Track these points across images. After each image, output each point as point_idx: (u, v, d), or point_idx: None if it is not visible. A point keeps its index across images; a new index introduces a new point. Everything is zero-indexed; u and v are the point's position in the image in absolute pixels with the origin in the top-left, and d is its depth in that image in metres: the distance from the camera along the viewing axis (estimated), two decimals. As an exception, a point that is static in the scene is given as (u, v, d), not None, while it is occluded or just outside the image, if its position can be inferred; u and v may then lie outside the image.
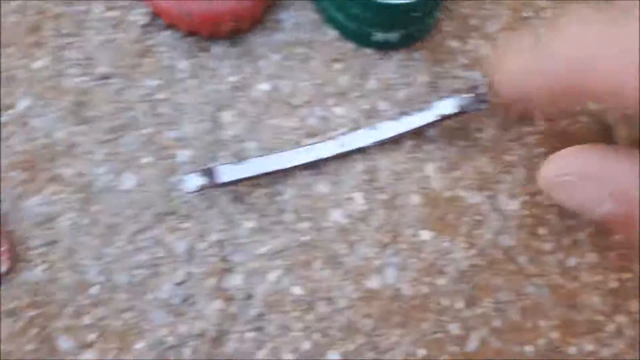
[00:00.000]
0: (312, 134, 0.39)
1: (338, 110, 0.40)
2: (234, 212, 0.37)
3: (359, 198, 0.38)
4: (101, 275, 0.36)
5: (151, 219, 0.37)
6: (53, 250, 0.36)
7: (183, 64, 0.40)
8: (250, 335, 0.36)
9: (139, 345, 0.35)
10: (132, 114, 0.39)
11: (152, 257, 0.37)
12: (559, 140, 0.40)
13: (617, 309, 0.39)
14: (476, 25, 0.43)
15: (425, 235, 0.38)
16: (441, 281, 0.38)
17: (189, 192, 0.37)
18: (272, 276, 0.37)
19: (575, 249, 0.39)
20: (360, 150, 0.38)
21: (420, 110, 0.38)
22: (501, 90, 0.34)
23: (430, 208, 0.38)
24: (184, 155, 0.38)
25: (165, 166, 0.38)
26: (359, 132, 0.38)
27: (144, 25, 0.41)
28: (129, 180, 0.38)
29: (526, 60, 0.32)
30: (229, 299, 0.36)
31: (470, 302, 0.38)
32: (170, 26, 0.40)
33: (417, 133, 0.40)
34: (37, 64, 0.39)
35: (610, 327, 0.39)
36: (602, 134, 0.40)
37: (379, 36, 0.40)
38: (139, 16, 0.41)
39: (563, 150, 0.32)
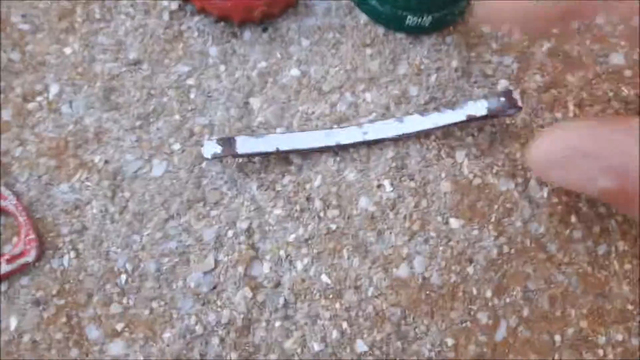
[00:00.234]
0: (342, 120, 0.32)
1: (368, 95, 0.33)
2: (262, 199, 0.31)
3: (387, 185, 0.31)
4: (129, 263, 0.30)
5: (180, 206, 0.31)
6: (81, 238, 0.30)
7: (213, 50, 0.33)
8: (278, 324, 0.30)
9: (167, 334, 0.29)
10: (162, 100, 0.32)
11: (180, 244, 0.30)
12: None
13: (648, 299, 0.32)
14: (508, 10, 0.35)
15: (455, 223, 0.31)
16: (470, 270, 0.31)
17: (205, 158, 0.31)
18: (300, 264, 0.30)
19: (605, 237, 0.32)
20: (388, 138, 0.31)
21: (452, 107, 0.32)
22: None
23: (460, 195, 0.31)
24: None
25: (195, 153, 0.31)
26: (386, 122, 0.31)
27: (175, 11, 0.34)
28: (158, 167, 0.31)
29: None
30: (257, 287, 0.30)
31: (499, 291, 0.31)
32: (200, 11, 0.33)
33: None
34: (68, 50, 0.33)
35: (640, 317, 0.31)
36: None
37: (412, 20, 0.32)
38: (169, 1, 0.33)
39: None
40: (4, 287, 0.30)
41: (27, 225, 0.30)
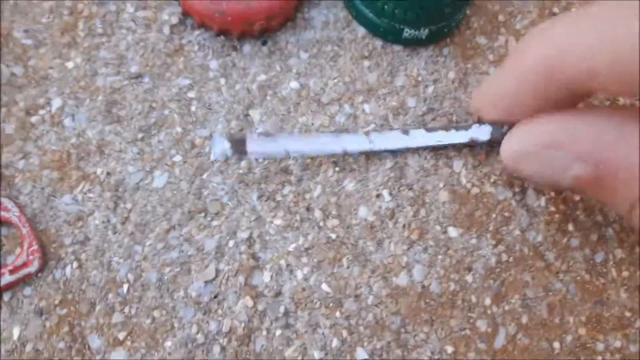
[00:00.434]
0: (342, 131, 0.32)
1: (367, 107, 0.33)
2: (263, 210, 0.31)
3: (386, 195, 0.32)
4: (131, 273, 0.30)
5: (181, 216, 0.31)
6: (84, 248, 0.30)
7: (214, 63, 0.34)
8: (278, 332, 0.30)
9: (169, 343, 0.29)
10: (163, 112, 0.32)
11: (182, 254, 0.30)
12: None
13: (646, 306, 0.32)
14: (504, 22, 0.36)
15: (453, 232, 0.32)
16: (469, 278, 0.31)
17: (215, 159, 0.32)
18: (300, 273, 0.31)
19: (602, 244, 0.33)
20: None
21: (457, 127, 0.32)
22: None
23: (458, 205, 0.32)
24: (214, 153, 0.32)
25: (196, 164, 0.31)
26: (392, 133, 0.31)
27: (175, 25, 0.34)
28: (159, 179, 0.31)
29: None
30: (257, 296, 0.30)
31: (498, 299, 0.31)
32: (201, 25, 0.33)
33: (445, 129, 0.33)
34: (70, 64, 0.33)
35: (639, 323, 0.32)
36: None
37: (409, 33, 0.33)
38: (170, 16, 0.34)
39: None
40: (6, 297, 0.30)
41: (30, 237, 0.30)
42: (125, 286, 0.30)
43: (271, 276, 0.31)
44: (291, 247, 0.31)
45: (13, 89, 0.33)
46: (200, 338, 0.30)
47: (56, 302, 0.30)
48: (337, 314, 0.31)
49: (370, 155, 0.33)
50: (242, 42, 0.35)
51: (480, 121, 0.31)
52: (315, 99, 0.34)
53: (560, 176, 0.26)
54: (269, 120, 0.33)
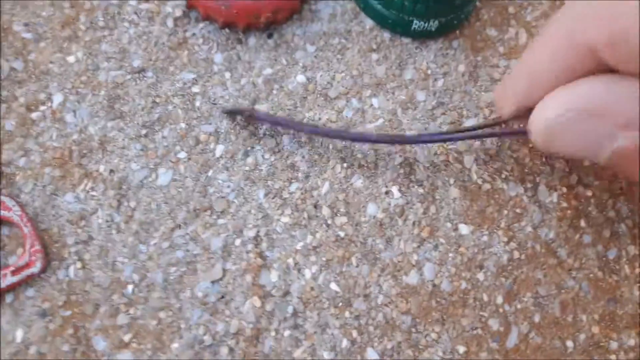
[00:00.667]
0: (349, 126, 0.32)
1: (375, 101, 0.32)
2: (270, 207, 0.30)
3: (395, 192, 0.31)
4: (136, 273, 0.29)
5: (187, 215, 0.30)
6: (87, 248, 0.29)
7: (218, 57, 0.32)
8: (287, 333, 0.29)
9: (176, 344, 0.28)
10: (167, 108, 0.31)
11: (187, 254, 0.29)
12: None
13: (660, 304, 0.31)
14: (515, 13, 0.34)
15: (464, 229, 0.30)
16: (480, 276, 0.30)
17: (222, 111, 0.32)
18: (308, 272, 0.30)
19: (615, 241, 0.32)
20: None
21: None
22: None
23: (469, 201, 0.30)
24: (220, 149, 0.30)
25: (201, 161, 0.30)
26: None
27: (179, 18, 0.33)
28: (164, 176, 0.30)
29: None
30: (265, 296, 0.29)
31: (510, 297, 0.30)
32: (205, 18, 0.32)
33: (455, 123, 0.32)
34: (71, 58, 0.32)
35: (652, 321, 0.31)
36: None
37: (418, 25, 0.31)
38: (173, 8, 0.33)
39: (559, 88, 0.23)
40: (9, 298, 0.29)
41: (32, 236, 0.29)
42: (130, 287, 0.29)
43: (279, 275, 0.30)
44: (299, 246, 0.30)
45: (13, 84, 0.32)
46: (207, 339, 0.29)
47: (60, 303, 0.29)
48: (347, 313, 0.30)
49: (379, 151, 0.31)
50: (247, 35, 0.33)
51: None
52: (323, 93, 0.33)
53: (601, 148, 0.23)
54: (276, 115, 0.32)
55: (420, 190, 0.31)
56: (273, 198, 0.31)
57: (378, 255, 0.30)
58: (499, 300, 0.30)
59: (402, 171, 0.31)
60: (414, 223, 0.31)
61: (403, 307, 0.30)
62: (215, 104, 0.32)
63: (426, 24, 0.32)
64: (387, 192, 0.31)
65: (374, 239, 0.31)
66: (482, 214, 0.31)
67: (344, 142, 0.32)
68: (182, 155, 0.31)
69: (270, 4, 0.32)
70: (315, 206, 0.31)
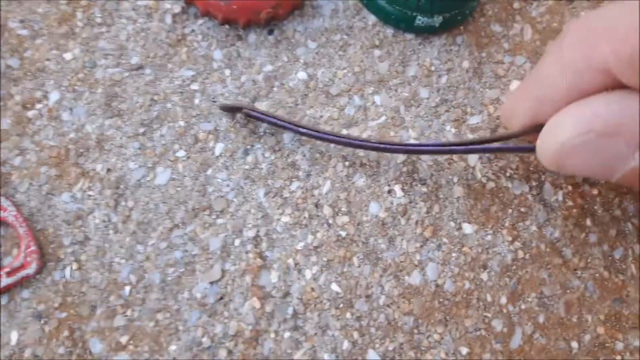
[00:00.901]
0: (351, 124, 0.30)
1: (377, 98, 0.31)
2: (270, 207, 0.28)
3: (398, 191, 0.29)
4: (133, 274, 0.28)
5: (185, 214, 0.28)
6: (84, 249, 0.28)
7: (218, 54, 0.31)
8: (287, 334, 0.28)
9: (173, 346, 0.27)
10: (165, 105, 0.30)
11: (186, 254, 0.28)
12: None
13: (667, 304, 0.30)
14: (520, 9, 0.33)
15: (468, 228, 0.29)
16: (484, 276, 0.29)
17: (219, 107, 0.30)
18: (309, 273, 0.28)
19: (621, 240, 0.31)
20: (397, 151, 0.29)
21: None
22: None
23: (473, 200, 0.29)
24: (219, 147, 0.29)
25: (200, 160, 0.29)
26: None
27: (178, 14, 0.32)
28: (162, 175, 0.29)
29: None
30: (265, 297, 0.28)
31: (514, 297, 0.29)
32: (205, 14, 0.31)
33: (458, 120, 0.30)
34: (68, 55, 0.30)
35: (659, 322, 0.30)
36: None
37: (422, 20, 0.30)
38: (172, 4, 0.31)
39: (570, 107, 0.22)
40: (4, 300, 0.28)
41: (28, 237, 0.28)
42: (127, 288, 0.28)
43: (279, 276, 0.29)
44: (299, 246, 0.29)
45: (9, 82, 0.30)
46: (206, 341, 0.28)
47: (55, 305, 0.28)
48: (348, 314, 0.28)
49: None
50: (247, 32, 0.32)
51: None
52: (324, 90, 0.31)
53: (616, 168, 0.22)
54: (276, 113, 0.31)
55: (424, 189, 0.30)
56: (273, 197, 0.30)
57: (380, 255, 0.29)
58: (503, 300, 0.29)
59: (404, 169, 0.30)
60: (416, 222, 0.30)
61: (405, 308, 0.29)
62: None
63: (430, 20, 0.31)
64: (389, 191, 0.30)
65: (376, 238, 0.29)
66: (486, 213, 0.30)
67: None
68: (181, 153, 0.30)
69: (270, 0, 0.31)
70: (317, 205, 0.30)
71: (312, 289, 0.29)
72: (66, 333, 0.28)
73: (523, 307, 0.29)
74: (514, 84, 0.32)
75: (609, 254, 0.30)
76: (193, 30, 0.32)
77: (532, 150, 0.25)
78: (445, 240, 0.30)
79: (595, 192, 0.31)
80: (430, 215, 0.30)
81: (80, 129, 0.30)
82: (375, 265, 0.29)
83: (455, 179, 0.30)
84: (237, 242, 0.29)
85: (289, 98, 0.31)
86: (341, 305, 0.29)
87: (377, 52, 0.32)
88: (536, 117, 0.25)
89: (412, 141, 0.31)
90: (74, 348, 0.28)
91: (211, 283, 0.29)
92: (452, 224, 0.30)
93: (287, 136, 0.30)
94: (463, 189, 0.30)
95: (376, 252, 0.29)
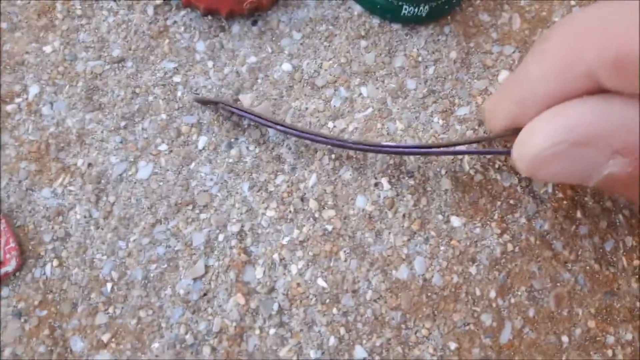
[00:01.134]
0: (337, 116, 0.29)
1: (364, 90, 0.30)
2: (254, 201, 0.27)
3: (385, 184, 0.28)
4: (115, 271, 0.27)
5: (168, 209, 0.27)
6: (64, 245, 0.27)
7: (200, 45, 0.30)
8: (272, 331, 0.26)
9: (156, 344, 0.26)
10: (147, 99, 0.29)
11: (169, 250, 0.27)
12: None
13: (659, 297, 0.29)
14: (508, -3, 0.31)
15: (456, 221, 0.28)
16: (473, 270, 0.28)
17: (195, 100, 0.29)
18: (294, 268, 0.27)
19: (612, 232, 0.30)
20: (375, 151, 0.27)
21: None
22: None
23: (461, 192, 0.28)
24: (202, 141, 0.28)
25: (183, 153, 0.28)
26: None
27: (159, 5, 0.30)
28: (144, 169, 0.28)
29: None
30: (250, 293, 0.27)
31: (504, 291, 0.28)
32: (186, 5, 0.30)
33: (446, 112, 0.29)
34: (48, 48, 0.29)
35: (651, 315, 0.29)
36: None
37: (408, 10, 0.29)
38: (153, -5, 0.30)
39: (544, 114, 0.21)
40: (-17, 299, 0.27)
41: (7, 233, 0.27)
42: (109, 285, 0.27)
43: (264, 271, 0.28)
44: (285, 240, 0.28)
45: (-12, 76, 0.29)
46: (189, 339, 0.27)
47: (36, 302, 0.27)
48: (334, 310, 0.27)
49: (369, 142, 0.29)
50: (230, 22, 0.31)
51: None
52: (309, 81, 0.30)
53: (591, 175, 0.21)
54: (260, 105, 0.30)
55: (411, 182, 0.29)
56: (258, 191, 0.29)
57: (367, 249, 0.28)
58: (492, 294, 0.28)
59: (392, 162, 0.29)
60: (404, 215, 0.29)
61: (393, 303, 0.28)
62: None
63: (416, 9, 0.30)
64: (376, 184, 0.29)
65: (363, 232, 0.28)
66: (474, 206, 0.29)
67: (332, 132, 0.29)
68: (163, 147, 0.29)
69: (252, -11, 0.29)
70: (302, 199, 0.29)
71: (298, 285, 0.28)
72: (46, 331, 0.27)
73: (512, 301, 0.28)
74: (503, 74, 0.31)
75: (599, 246, 0.29)
76: (175, 22, 0.31)
77: (508, 153, 0.24)
78: (433, 233, 0.29)
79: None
80: (417, 208, 0.29)
81: (61, 123, 0.29)
82: (362, 259, 0.28)
83: (443, 172, 0.29)
84: (221, 237, 0.28)
85: (274, 90, 0.30)
86: (327, 301, 0.28)
87: (363, 43, 0.31)
88: (517, 119, 0.23)
89: (399, 133, 0.30)
90: (54, 347, 0.26)
91: (194, 279, 0.27)
92: (440, 217, 0.29)
93: (272, 129, 0.29)
94: (451, 181, 0.29)
95: (363, 246, 0.28)
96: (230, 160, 0.29)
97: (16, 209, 0.28)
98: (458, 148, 0.28)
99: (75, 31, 0.31)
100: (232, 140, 0.29)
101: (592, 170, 0.21)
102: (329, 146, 0.29)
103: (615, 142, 0.20)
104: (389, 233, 0.29)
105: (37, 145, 0.29)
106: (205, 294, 0.27)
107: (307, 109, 0.30)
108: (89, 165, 0.29)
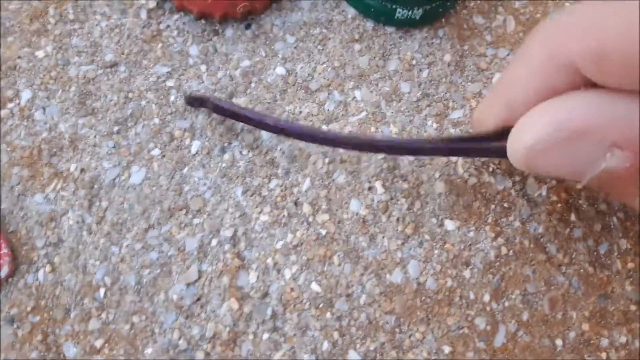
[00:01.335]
0: (331, 120, 0.28)
1: (358, 93, 0.29)
2: (248, 205, 0.27)
3: (379, 187, 0.28)
4: (108, 276, 0.26)
5: (161, 214, 0.27)
6: (57, 251, 0.26)
7: (194, 49, 0.29)
8: (266, 336, 0.26)
9: (149, 349, 0.26)
10: (140, 103, 0.28)
11: (162, 255, 0.27)
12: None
13: (653, 300, 0.29)
14: (502, 0, 0.31)
15: (450, 225, 0.28)
16: (467, 273, 0.27)
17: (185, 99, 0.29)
18: (288, 273, 0.27)
19: (606, 235, 0.29)
20: (367, 149, 0.27)
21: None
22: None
23: (455, 196, 0.28)
24: (195, 145, 0.27)
25: (176, 158, 0.27)
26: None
27: (152, 9, 0.30)
28: (137, 174, 0.27)
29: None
30: (243, 298, 0.26)
31: (498, 295, 0.28)
32: (180, 9, 0.29)
33: (440, 115, 0.28)
34: (40, 53, 0.29)
35: (645, 318, 0.28)
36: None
37: (402, 13, 0.28)
38: (147, 0, 0.29)
39: (538, 107, 0.20)
40: (-24, 305, 0.26)
41: (-1, 239, 0.26)
42: (102, 290, 0.27)
43: (257, 276, 0.27)
44: (278, 245, 0.28)
45: (-20, 81, 0.29)
46: (182, 344, 0.26)
47: (28, 308, 0.27)
48: (328, 314, 0.27)
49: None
50: (224, 26, 0.30)
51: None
52: (303, 85, 0.30)
53: (588, 169, 0.20)
54: (254, 109, 0.29)
55: (405, 185, 0.29)
56: (251, 195, 0.28)
57: (361, 253, 0.28)
58: (486, 298, 0.28)
59: (385, 165, 0.29)
60: (398, 219, 0.28)
61: (387, 307, 0.27)
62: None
63: (410, 12, 0.29)
64: (370, 188, 0.29)
65: (357, 236, 0.28)
66: (468, 209, 0.29)
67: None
68: (156, 152, 0.28)
69: (245, -7, 0.29)
70: (296, 203, 0.28)
71: (292, 289, 0.27)
72: (39, 337, 0.26)
73: (507, 304, 0.28)
74: (497, 77, 0.30)
75: (594, 249, 0.29)
76: (168, 26, 0.30)
77: (501, 153, 0.24)
78: (427, 237, 0.28)
79: (579, 186, 0.29)
80: (411, 212, 0.28)
81: (53, 128, 0.29)
82: (356, 263, 0.28)
83: (437, 175, 0.29)
84: (214, 242, 0.28)
85: (267, 94, 0.30)
86: (321, 305, 0.27)
87: (357, 46, 0.31)
88: (507, 121, 0.23)
89: (393, 137, 0.29)
90: (47, 352, 0.26)
91: (188, 284, 0.27)
92: (433, 220, 0.28)
93: (265, 133, 0.29)
94: (445, 184, 0.29)
95: (357, 250, 0.28)
96: (224, 165, 0.29)
97: (8, 215, 0.27)
98: (454, 147, 0.27)
99: (67, 36, 0.30)
100: (225, 144, 0.29)
101: (587, 164, 0.20)
102: (320, 146, 0.28)
103: (613, 134, 0.19)
104: (383, 237, 0.28)
105: (29, 151, 0.28)
106: (198, 299, 0.27)
107: (301, 112, 0.30)
108: (82, 170, 0.28)
